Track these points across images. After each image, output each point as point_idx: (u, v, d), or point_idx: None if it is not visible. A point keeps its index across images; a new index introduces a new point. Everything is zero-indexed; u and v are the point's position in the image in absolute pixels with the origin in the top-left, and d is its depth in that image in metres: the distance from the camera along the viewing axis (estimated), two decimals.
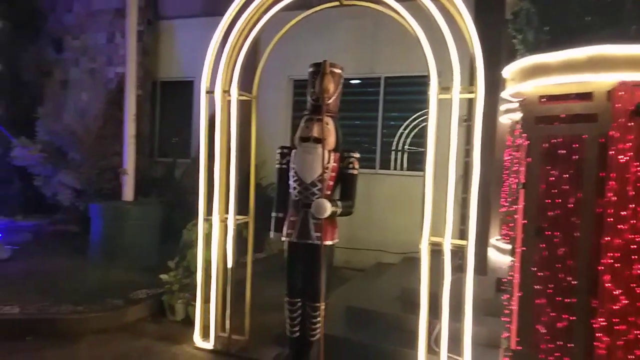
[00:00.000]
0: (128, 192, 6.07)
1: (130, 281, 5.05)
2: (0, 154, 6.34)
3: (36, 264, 5.65)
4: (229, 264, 3.74)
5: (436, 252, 3.04)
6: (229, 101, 3.70)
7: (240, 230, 3.97)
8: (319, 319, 3.35)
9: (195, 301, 4.01)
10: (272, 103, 7.08)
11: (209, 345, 3.83)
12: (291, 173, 3.33)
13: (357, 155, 3.32)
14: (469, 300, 2.92)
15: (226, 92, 3.67)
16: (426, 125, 3.05)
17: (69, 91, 8.70)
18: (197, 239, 3.91)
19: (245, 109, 3.81)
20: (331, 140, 3.23)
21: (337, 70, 3.27)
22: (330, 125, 3.24)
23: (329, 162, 3.22)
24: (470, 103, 3.04)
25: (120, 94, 7.31)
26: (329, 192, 3.25)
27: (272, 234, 3.48)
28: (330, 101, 3.26)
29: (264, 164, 6.41)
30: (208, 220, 3.80)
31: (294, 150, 3.36)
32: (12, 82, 7.99)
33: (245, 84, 3.73)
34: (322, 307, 3.32)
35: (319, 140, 3.17)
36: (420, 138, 6.75)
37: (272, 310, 4.38)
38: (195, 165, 6.97)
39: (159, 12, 8.27)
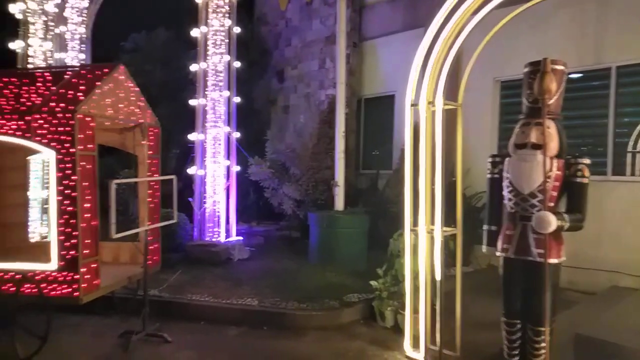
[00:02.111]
0: (339, 203, 6.60)
1: (343, 284, 5.45)
2: (241, 172, 7.70)
3: (268, 263, 6.61)
4: (437, 277, 3.69)
5: None
6: (434, 112, 3.68)
7: (447, 242, 3.88)
8: (542, 344, 3.01)
9: (403, 310, 4.08)
10: (475, 108, 6.73)
11: (420, 356, 3.83)
12: (505, 183, 3.10)
13: (587, 161, 2.90)
14: None
15: (430, 103, 3.67)
16: None
17: (289, 115, 10.01)
18: (403, 249, 3.97)
19: (448, 116, 3.73)
20: (553, 146, 2.90)
21: (559, 67, 2.93)
22: (551, 129, 2.91)
23: (551, 171, 2.89)
24: None
25: (331, 114, 8.06)
26: (552, 204, 2.92)
27: (484, 248, 3.30)
28: (551, 102, 2.94)
29: (468, 172, 6.15)
30: (414, 231, 3.83)
31: (507, 159, 3.12)
32: (246, 111, 9.63)
33: (448, 92, 3.65)
34: (547, 332, 2.98)
35: (539, 146, 2.88)
36: None
37: (483, 328, 4.15)
38: (397, 176, 7.19)
39: (362, 34, 8.84)
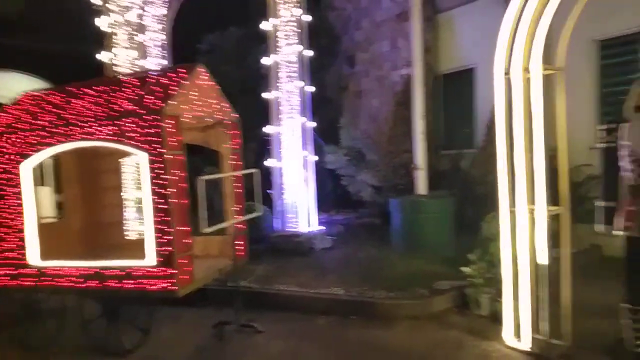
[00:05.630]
0: (421, 186, 6.33)
1: (431, 271, 5.22)
2: (317, 161, 7.68)
3: (351, 252, 6.53)
4: (541, 260, 3.36)
5: None
6: (528, 79, 3.32)
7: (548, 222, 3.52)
8: None
9: (501, 297, 3.80)
10: (569, 73, 6.10)
11: (523, 346, 3.55)
12: (623, 152, 2.72)
13: None
14: None
15: (526, 69, 3.31)
16: None
17: (362, 100, 9.79)
18: (498, 232, 3.68)
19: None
20: None
21: None
22: None
23: None
24: None
25: (406, 95, 7.73)
26: None
27: (600, 227, 2.94)
28: None
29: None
30: (512, 211, 3.52)
31: (623, 124, 2.73)
32: (319, 100, 9.59)
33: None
34: None
35: None
36: None
37: (593, 315, 3.80)
38: (484, 154, 6.73)
39: (436, 7, 8.37)
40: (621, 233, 2.80)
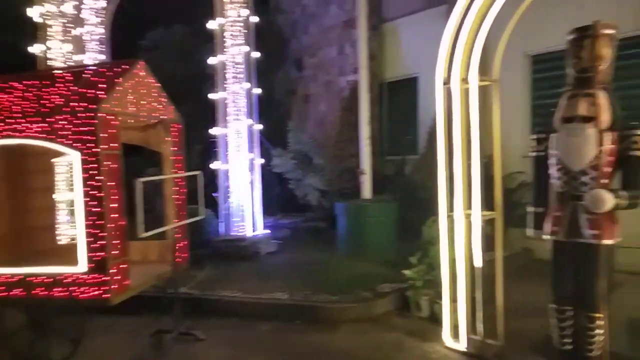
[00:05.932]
0: (366, 191, 6.43)
1: (374, 274, 5.29)
2: (264, 164, 7.61)
3: (296, 256, 6.50)
4: (477, 263, 3.51)
5: None
6: (466, 89, 3.47)
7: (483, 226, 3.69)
8: (597, 331, 2.82)
9: (440, 299, 3.93)
10: (504, 85, 6.45)
11: (460, 346, 3.68)
12: (552, 161, 2.90)
13: None
14: None
15: (464, 79, 3.45)
16: None
17: (310, 104, 9.83)
18: (438, 236, 3.81)
19: (479, 94, 3.51)
20: (605, 118, 2.67)
21: (610, 32, 2.69)
22: (602, 100, 2.68)
23: (602, 145, 2.66)
24: None
25: (352, 101, 7.84)
26: (606, 181, 2.70)
27: (531, 232, 3.11)
28: (601, 69, 2.71)
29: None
30: (450, 216, 3.65)
31: (553, 135, 2.91)
32: (267, 102, 9.52)
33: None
34: (602, 317, 2.78)
35: (589, 119, 2.66)
36: None
37: (525, 315, 3.99)
38: (425, 160, 6.95)
39: (382, 16, 8.57)
40: (549, 237, 2.98)
